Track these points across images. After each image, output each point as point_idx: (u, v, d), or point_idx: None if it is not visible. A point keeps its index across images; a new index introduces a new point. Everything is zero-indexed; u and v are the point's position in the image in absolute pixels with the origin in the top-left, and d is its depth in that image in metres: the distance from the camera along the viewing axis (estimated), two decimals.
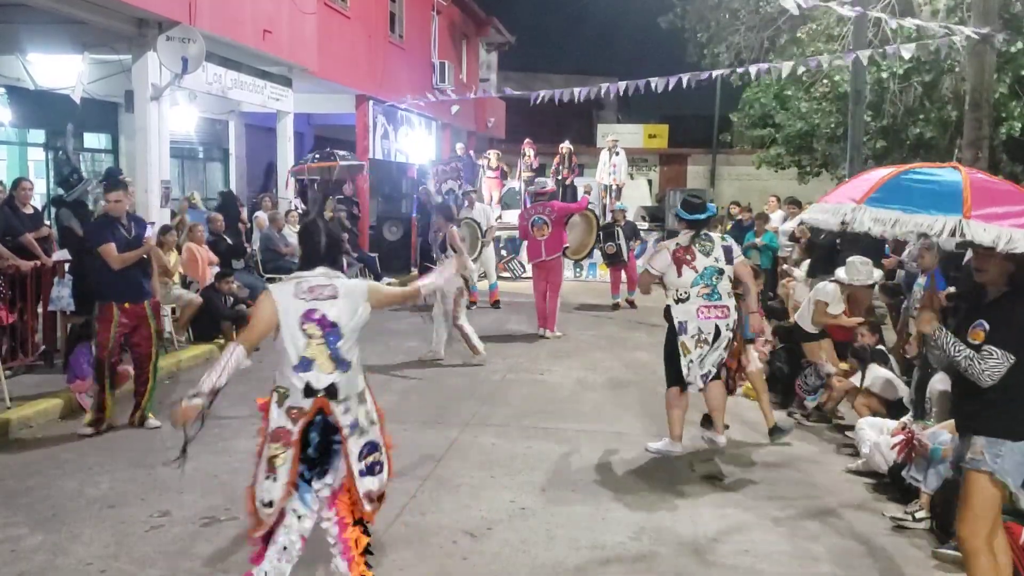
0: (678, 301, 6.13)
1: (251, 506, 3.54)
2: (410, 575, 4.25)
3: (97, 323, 6.44)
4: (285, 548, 3.52)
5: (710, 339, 6.06)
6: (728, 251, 6.21)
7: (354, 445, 3.52)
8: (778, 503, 5.35)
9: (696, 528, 4.91)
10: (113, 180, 6.91)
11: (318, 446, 3.51)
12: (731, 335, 6.13)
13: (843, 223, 3.57)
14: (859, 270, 7.48)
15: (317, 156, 14.37)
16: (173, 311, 9.37)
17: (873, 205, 3.54)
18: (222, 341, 9.45)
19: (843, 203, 3.67)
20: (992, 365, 3.50)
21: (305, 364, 3.46)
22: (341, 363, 3.50)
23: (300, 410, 3.47)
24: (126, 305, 6.47)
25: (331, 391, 3.47)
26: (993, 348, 3.51)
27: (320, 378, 3.46)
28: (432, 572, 4.29)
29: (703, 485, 5.63)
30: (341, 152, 14.51)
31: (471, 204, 13.46)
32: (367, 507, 3.60)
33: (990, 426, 3.58)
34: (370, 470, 3.57)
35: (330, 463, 3.55)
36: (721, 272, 6.11)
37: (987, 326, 3.56)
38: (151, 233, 6.78)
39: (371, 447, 3.59)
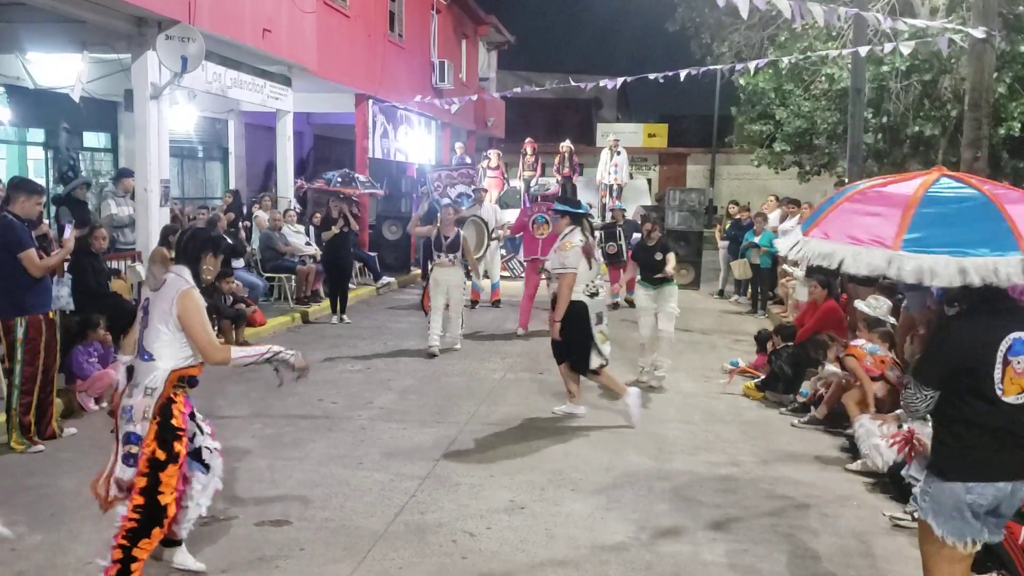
0: (592, 295, 6.79)
1: None
2: (410, 574, 4.25)
3: (27, 342, 5.87)
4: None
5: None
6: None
7: (122, 428, 3.78)
8: (777, 502, 5.35)
9: (695, 528, 4.91)
10: (31, 185, 6.32)
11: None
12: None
13: (884, 277, 3.03)
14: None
15: (339, 180, 14.34)
16: None
17: (913, 249, 2.94)
18: (222, 340, 9.45)
19: (872, 248, 3.02)
20: (905, 395, 3.31)
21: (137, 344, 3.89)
22: (141, 350, 3.81)
23: (124, 387, 3.87)
24: (51, 315, 6.10)
25: (128, 371, 3.86)
26: (912, 379, 3.27)
27: (130, 358, 3.89)
28: (432, 571, 4.29)
29: (702, 485, 5.63)
30: (362, 178, 14.44)
31: (480, 202, 13.52)
32: (112, 490, 3.78)
33: None
34: (126, 459, 3.76)
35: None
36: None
37: None
38: (69, 234, 6.48)
39: (133, 438, 3.74)
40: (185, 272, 3.87)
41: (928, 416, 3.24)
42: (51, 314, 6.13)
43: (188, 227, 4.35)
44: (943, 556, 3.21)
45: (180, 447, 3.81)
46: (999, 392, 3.07)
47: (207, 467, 4.08)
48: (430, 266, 9.88)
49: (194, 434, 4.02)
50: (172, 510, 3.81)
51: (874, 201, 3.20)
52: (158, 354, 3.77)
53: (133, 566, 3.72)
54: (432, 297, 9.63)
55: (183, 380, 3.87)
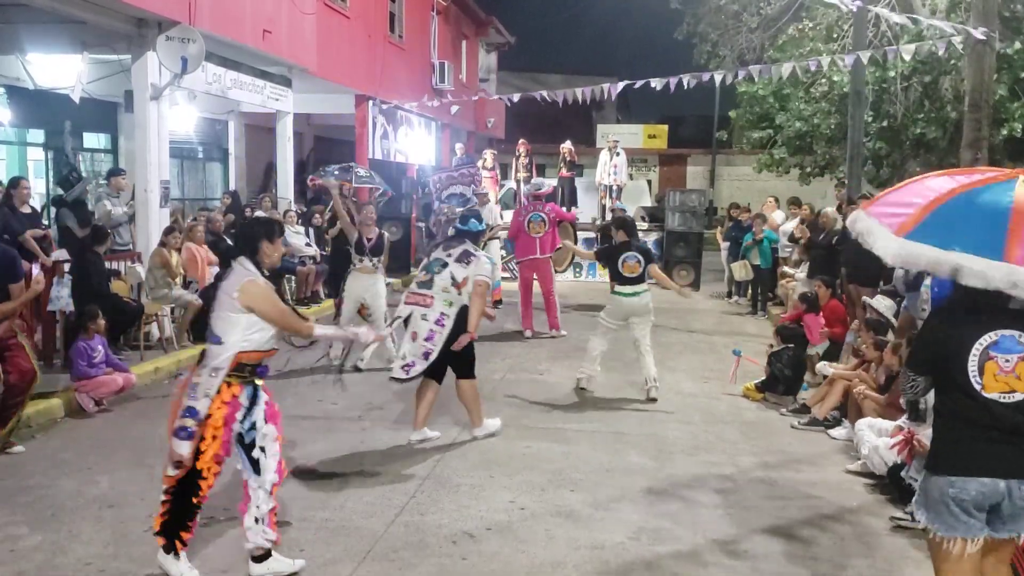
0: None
1: None
2: (409, 575, 4.25)
3: None
4: None
5: (405, 324, 6.13)
6: (467, 255, 6.22)
7: (184, 400, 3.97)
8: (778, 503, 5.35)
9: (695, 528, 4.91)
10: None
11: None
12: (437, 328, 6.02)
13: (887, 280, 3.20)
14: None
15: (336, 172, 14.17)
16: (172, 311, 9.36)
17: (913, 237, 3.05)
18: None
19: (886, 228, 3.14)
20: (903, 378, 3.36)
21: None
22: (210, 334, 4.04)
23: None
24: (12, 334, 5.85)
25: (200, 356, 4.09)
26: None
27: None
28: (431, 572, 4.28)
29: (702, 485, 5.63)
30: (361, 172, 14.20)
31: (482, 203, 13.50)
32: (169, 469, 3.96)
33: None
34: (178, 432, 3.93)
35: None
36: (445, 265, 6.18)
37: None
38: (37, 273, 6.30)
39: (190, 412, 3.93)
40: (247, 263, 4.09)
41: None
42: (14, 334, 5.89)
43: (245, 220, 4.69)
44: (944, 553, 3.19)
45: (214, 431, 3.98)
46: (977, 387, 3.08)
47: (256, 465, 4.13)
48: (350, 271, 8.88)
49: (252, 425, 4.10)
50: (204, 483, 4.03)
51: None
52: (225, 338, 3.98)
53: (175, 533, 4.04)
54: (344, 305, 8.70)
55: (245, 366, 4.03)
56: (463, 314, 6.10)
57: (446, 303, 6.06)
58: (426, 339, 6.02)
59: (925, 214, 3.08)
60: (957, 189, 3.15)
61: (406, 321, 6.11)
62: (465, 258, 6.17)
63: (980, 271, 2.89)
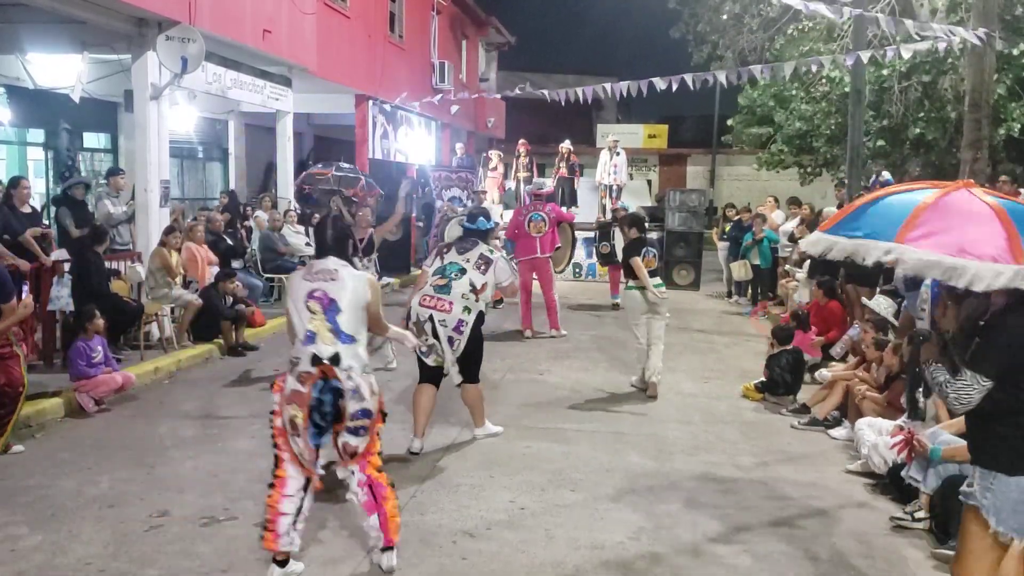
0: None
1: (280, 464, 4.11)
2: (410, 575, 4.25)
3: None
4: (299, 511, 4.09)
5: (428, 329, 5.98)
6: (486, 261, 6.18)
7: (351, 406, 4.01)
8: (777, 503, 5.35)
9: (695, 528, 4.91)
10: None
11: (330, 407, 3.98)
12: (454, 335, 6.01)
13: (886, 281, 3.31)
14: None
15: (320, 165, 14.18)
16: (172, 311, 9.37)
17: (830, 232, 3.45)
18: (221, 341, 9.44)
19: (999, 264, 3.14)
20: (959, 387, 3.15)
21: (310, 337, 4.00)
22: (341, 335, 4.01)
23: (309, 374, 3.96)
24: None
25: (334, 359, 3.98)
26: (966, 371, 3.15)
27: (323, 349, 3.98)
28: (431, 572, 4.29)
29: (702, 486, 5.63)
30: (346, 165, 14.15)
31: (480, 203, 13.53)
32: (344, 456, 4.12)
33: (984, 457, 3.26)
34: (354, 432, 4.07)
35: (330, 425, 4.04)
36: (463, 272, 6.09)
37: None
38: (26, 295, 6.30)
39: (364, 413, 4.08)
40: (342, 261, 4.17)
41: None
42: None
43: (321, 220, 4.61)
44: (986, 548, 3.17)
45: None
46: None
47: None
48: None
49: None
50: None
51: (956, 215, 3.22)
52: (358, 335, 4.09)
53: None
54: None
55: None
56: (480, 320, 6.19)
57: (465, 310, 6.05)
58: (451, 347, 6.06)
59: (846, 213, 3.49)
60: (880, 194, 3.51)
61: (422, 325, 6.03)
62: (483, 264, 6.17)
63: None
